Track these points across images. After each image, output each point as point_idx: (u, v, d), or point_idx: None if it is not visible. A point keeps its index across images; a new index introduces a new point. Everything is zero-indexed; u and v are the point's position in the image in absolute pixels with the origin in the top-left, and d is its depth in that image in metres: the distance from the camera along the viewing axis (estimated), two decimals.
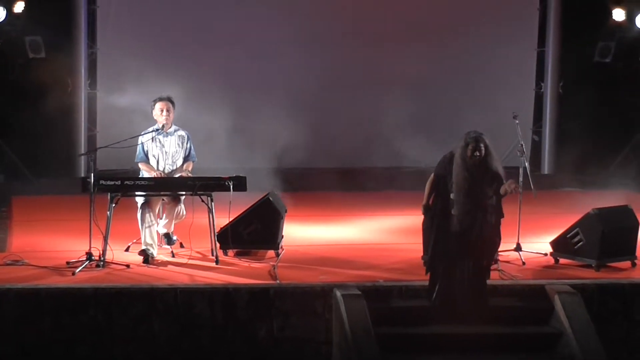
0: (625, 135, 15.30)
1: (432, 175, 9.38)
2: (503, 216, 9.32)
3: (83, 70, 15.26)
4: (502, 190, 9.17)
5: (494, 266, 9.65)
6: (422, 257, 10.07)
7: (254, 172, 11.65)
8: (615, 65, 15.43)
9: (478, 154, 9.11)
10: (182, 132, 10.74)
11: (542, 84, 16.10)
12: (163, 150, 10.63)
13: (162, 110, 10.59)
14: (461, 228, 9.09)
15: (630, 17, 15.13)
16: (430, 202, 9.37)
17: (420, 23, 15.58)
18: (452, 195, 9.15)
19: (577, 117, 15.13)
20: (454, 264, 9.14)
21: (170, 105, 10.63)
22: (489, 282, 9.37)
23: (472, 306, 9.10)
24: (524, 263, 10.29)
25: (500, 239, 9.39)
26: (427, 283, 9.30)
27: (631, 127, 15.40)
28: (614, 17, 15.21)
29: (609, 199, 12.57)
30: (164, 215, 10.65)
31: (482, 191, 9.15)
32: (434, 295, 9.19)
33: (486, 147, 9.16)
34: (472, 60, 15.62)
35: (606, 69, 15.45)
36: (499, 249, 10.21)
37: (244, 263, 10.36)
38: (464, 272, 9.12)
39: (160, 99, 10.62)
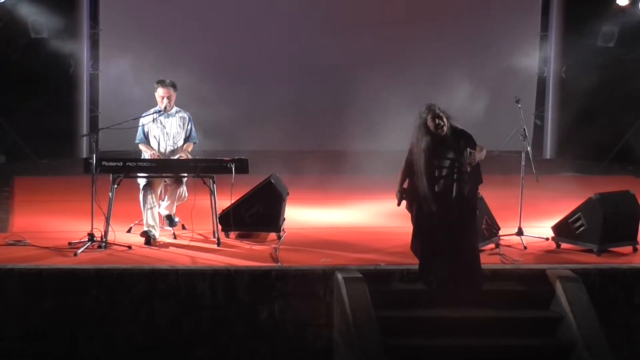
0: (628, 120, 15.26)
1: (404, 164, 9.29)
2: (481, 182, 9.25)
3: (85, 51, 15.24)
4: (477, 158, 9.05)
5: (495, 250, 9.65)
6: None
7: (255, 155, 11.64)
8: (618, 50, 15.39)
9: (440, 122, 9.02)
10: (183, 114, 10.71)
11: (545, 68, 16.07)
12: (164, 132, 10.61)
13: (162, 98, 10.52)
14: (442, 200, 9.00)
15: (634, 2, 15.08)
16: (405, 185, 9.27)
17: (421, 7, 15.55)
18: (432, 172, 9.05)
19: (579, 101, 15.09)
20: (442, 244, 9.09)
21: (172, 92, 10.53)
22: (490, 266, 9.38)
23: (467, 288, 9.09)
24: (525, 247, 10.28)
25: (475, 208, 9.28)
26: None
27: (633, 112, 15.37)
28: (617, 2, 15.16)
29: (611, 183, 12.56)
30: (166, 196, 10.65)
31: (457, 159, 9.06)
32: (431, 277, 9.18)
33: (444, 113, 9.07)
34: (475, 44, 15.59)
35: (609, 53, 15.41)
36: (500, 233, 10.26)
37: (245, 245, 10.37)
38: (453, 253, 9.08)
39: (163, 85, 10.52)
